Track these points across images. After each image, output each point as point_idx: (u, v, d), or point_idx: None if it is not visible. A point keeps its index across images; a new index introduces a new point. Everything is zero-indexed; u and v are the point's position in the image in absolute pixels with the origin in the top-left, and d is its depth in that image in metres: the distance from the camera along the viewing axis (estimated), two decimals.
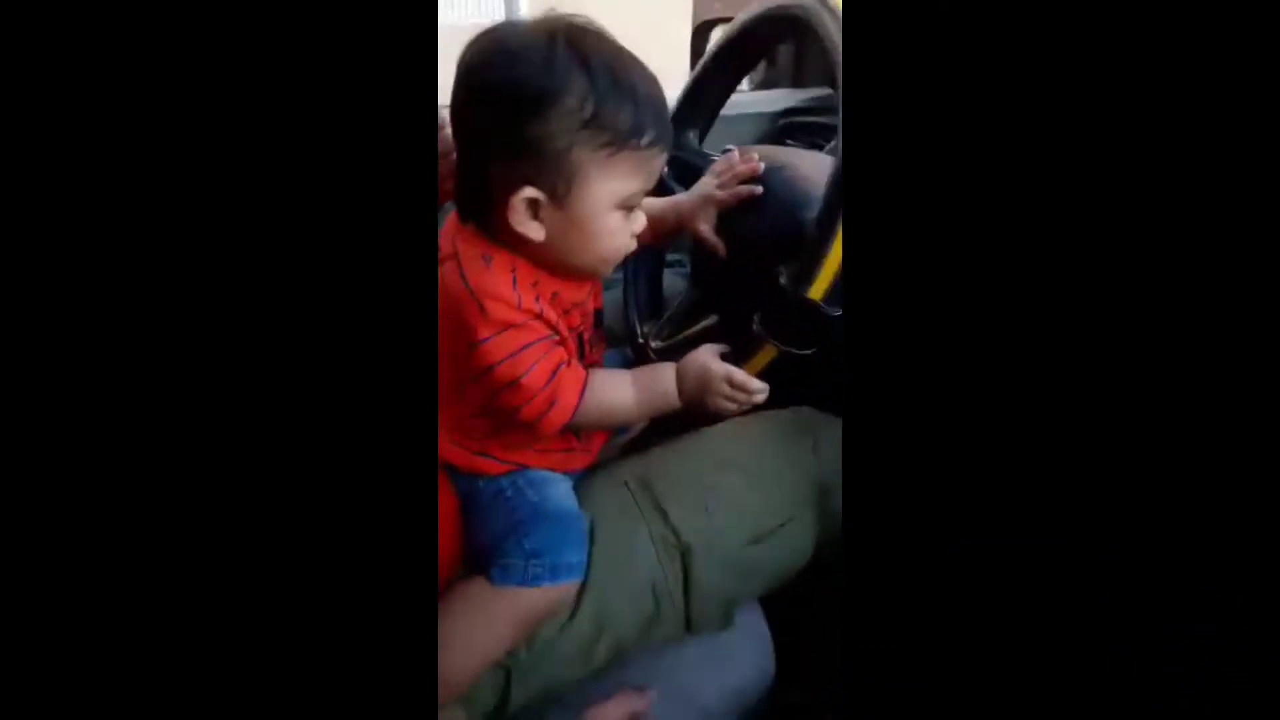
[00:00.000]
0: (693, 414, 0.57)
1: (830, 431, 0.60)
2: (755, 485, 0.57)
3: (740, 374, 0.51)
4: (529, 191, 0.45)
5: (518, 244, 0.48)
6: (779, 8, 0.58)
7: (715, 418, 0.57)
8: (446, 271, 0.49)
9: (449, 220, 0.53)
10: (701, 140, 0.71)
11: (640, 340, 0.70)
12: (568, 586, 0.51)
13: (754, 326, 0.51)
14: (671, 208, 0.61)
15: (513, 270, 0.49)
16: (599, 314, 0.59)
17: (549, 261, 0.50)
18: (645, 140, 0.45)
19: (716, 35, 1.10)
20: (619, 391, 0.53)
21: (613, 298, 0.80)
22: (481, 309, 0.47)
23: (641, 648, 0.54)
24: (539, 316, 0.49)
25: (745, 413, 0.61)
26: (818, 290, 0.47)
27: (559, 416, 0.50)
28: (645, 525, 0.54)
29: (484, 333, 0.47)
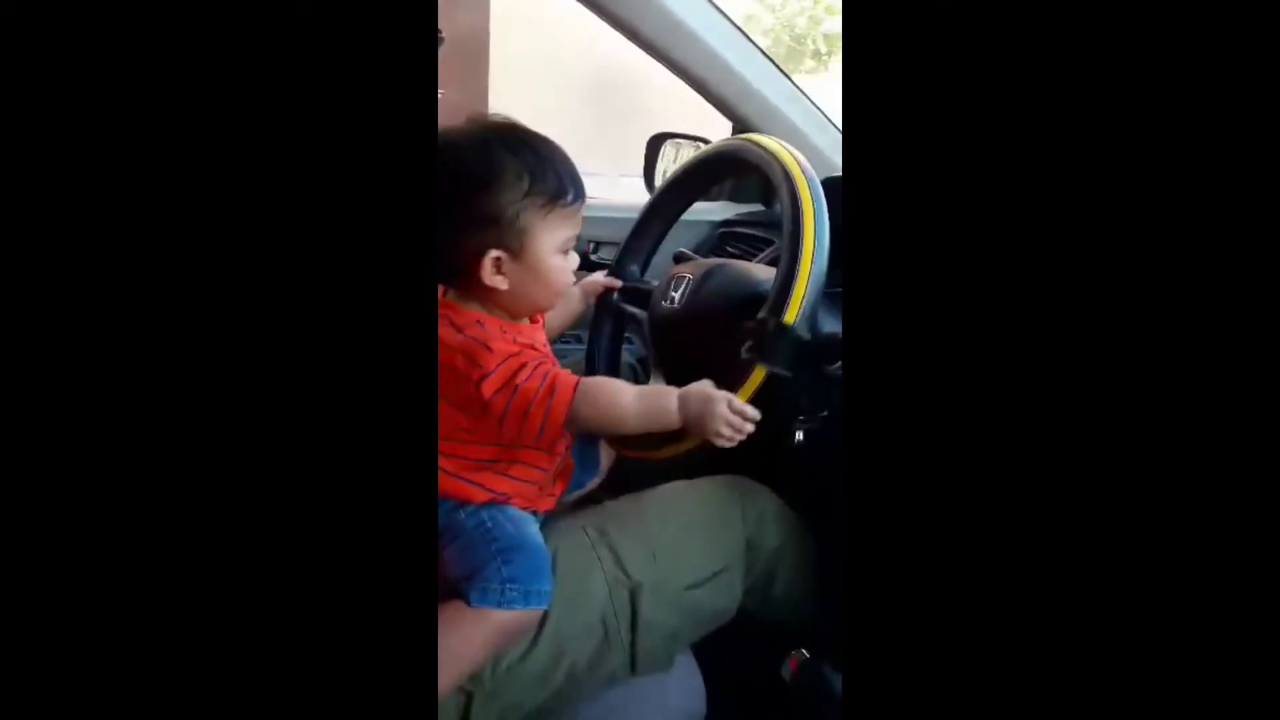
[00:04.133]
0: (647, 468, 0.68)
1: (758, 496, 0.70)
2: (695, 537, 0.66)
3: (738, 400, 0.58)
4: (494, 253, 0.59)
5: (487, 297, 0.61)
6: (728, 150, 0.74)
7: (675, 473, 0.68)
8: (445, 334, 0.59)
9: None
10: (644, 270, 0.87)
11: None
12: (535, 613, 0.57)
13: (743, 354, 0.60)
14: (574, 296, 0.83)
15: (500, 327, 0.61)
16: None
17: (513, 308, 0.63)
18: (570, 198, 0.60)
19: (667, 151, 1.27)
20: (620, 397, 0.60)
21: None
22: (487, 348, 0.57)
23: (592, 679, 0.60)
24: (531, 348, 0.61)
25: (688, 476, 0.72)
26: (790, 317, 0.59)
27: (558, 409, 0.57)
28: (600, 565, 0.61)
29: (490, 364, 0.57)
